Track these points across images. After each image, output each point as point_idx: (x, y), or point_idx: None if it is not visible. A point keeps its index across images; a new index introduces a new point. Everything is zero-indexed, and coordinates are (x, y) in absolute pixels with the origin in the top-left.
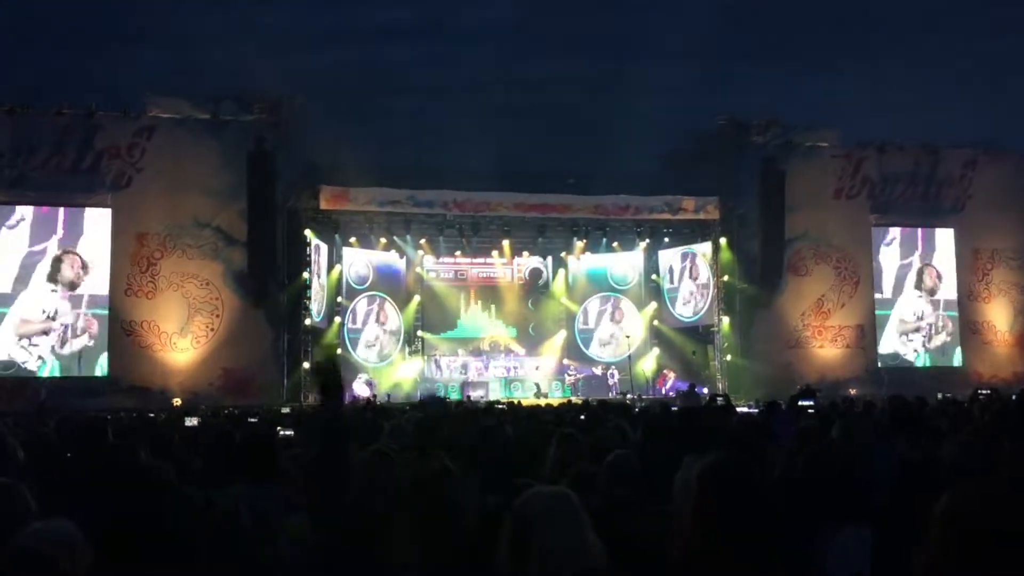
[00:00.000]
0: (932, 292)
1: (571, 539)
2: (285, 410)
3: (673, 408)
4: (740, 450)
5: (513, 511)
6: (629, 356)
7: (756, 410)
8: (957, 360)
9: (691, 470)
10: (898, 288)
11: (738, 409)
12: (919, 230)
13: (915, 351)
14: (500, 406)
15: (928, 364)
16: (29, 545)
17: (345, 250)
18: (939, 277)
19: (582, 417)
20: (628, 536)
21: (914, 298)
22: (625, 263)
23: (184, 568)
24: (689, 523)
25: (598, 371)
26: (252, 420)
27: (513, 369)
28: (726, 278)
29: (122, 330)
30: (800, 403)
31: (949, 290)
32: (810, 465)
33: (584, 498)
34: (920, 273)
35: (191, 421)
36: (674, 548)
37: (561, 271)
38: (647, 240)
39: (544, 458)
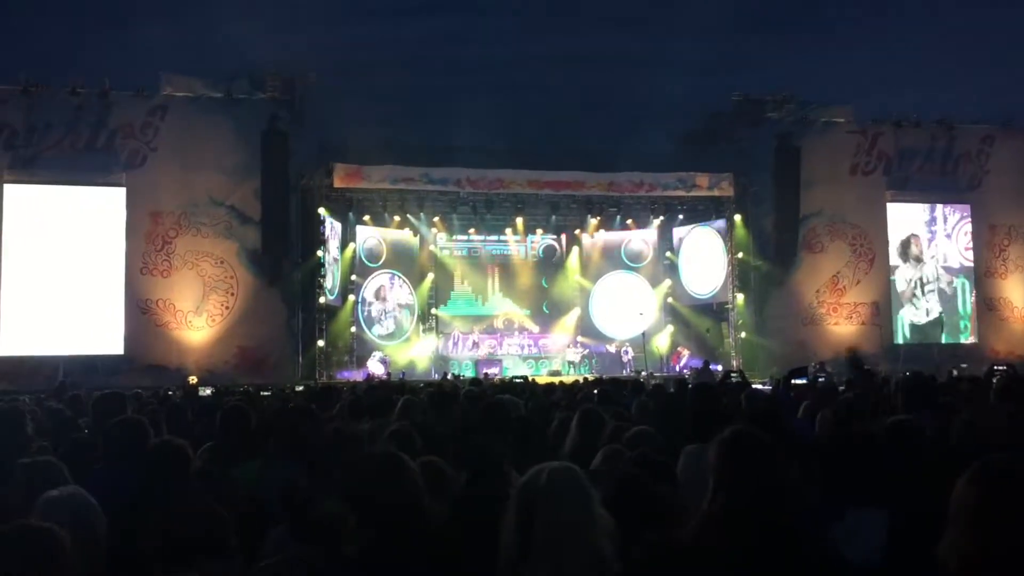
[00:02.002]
0: (918, 260)
1: (577, 514)
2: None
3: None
4: (755, 424)
5: (518, 488)
6: (643, 333)
7: (769, 387)
8: (968, 329)
9: (693, 456)
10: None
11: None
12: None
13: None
14: (518, 379)
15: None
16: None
17: (359, 228)
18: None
19: (595, 392)
20: (644, 509)
21: (908, 267)
22: (639, 240)
23: (199, 545)
24: (709, 496)
25: (612, 348)
26: (265, 393)
27: (527, 347)
28: (740, 255)
29: (138, 308)
30: (793, 381)
31: (951, 258)
32: (836, 444)
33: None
34: (906, 244)
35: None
36: (689, 521)
37: (575, 248)
38: (661, 217)
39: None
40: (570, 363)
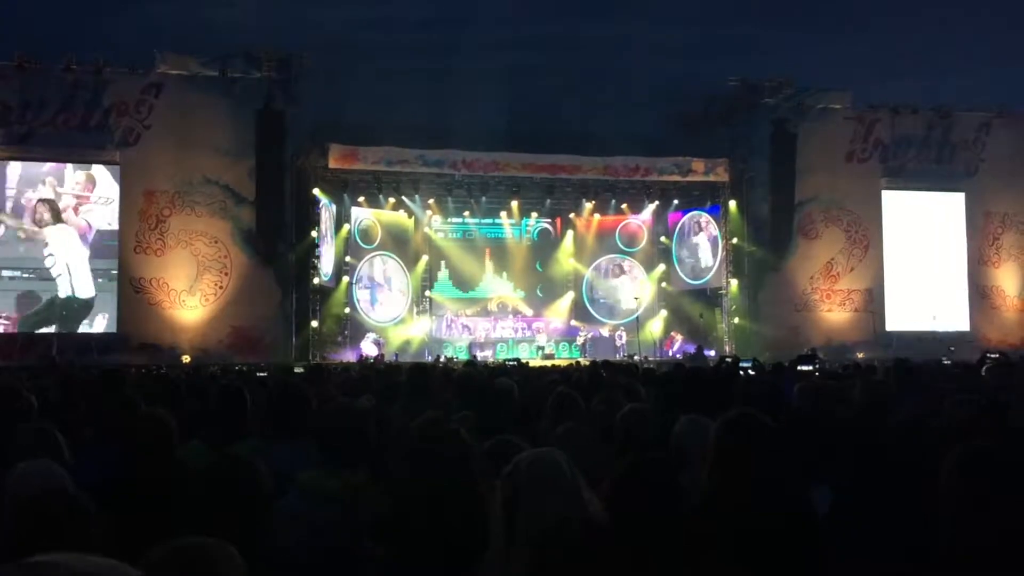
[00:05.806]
0: None
1: (560, 502)
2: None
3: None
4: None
5: (503, 477)
6: (637, 318)
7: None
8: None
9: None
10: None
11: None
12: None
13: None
14: (510, 362)
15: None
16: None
17: (353, 209)
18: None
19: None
20: (638, 491)
21: None
22: (634, 225)
23: (191, 521)
24: (708, 474)
25: (606, 332)
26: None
27: (521, 330)
28: (735, 240)
29: (131, 287)
30: (800, 367)
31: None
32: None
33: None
34: None
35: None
36: (690, 501)
37: (569, 232)
38: (656, 202)
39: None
40: (562, 347)
